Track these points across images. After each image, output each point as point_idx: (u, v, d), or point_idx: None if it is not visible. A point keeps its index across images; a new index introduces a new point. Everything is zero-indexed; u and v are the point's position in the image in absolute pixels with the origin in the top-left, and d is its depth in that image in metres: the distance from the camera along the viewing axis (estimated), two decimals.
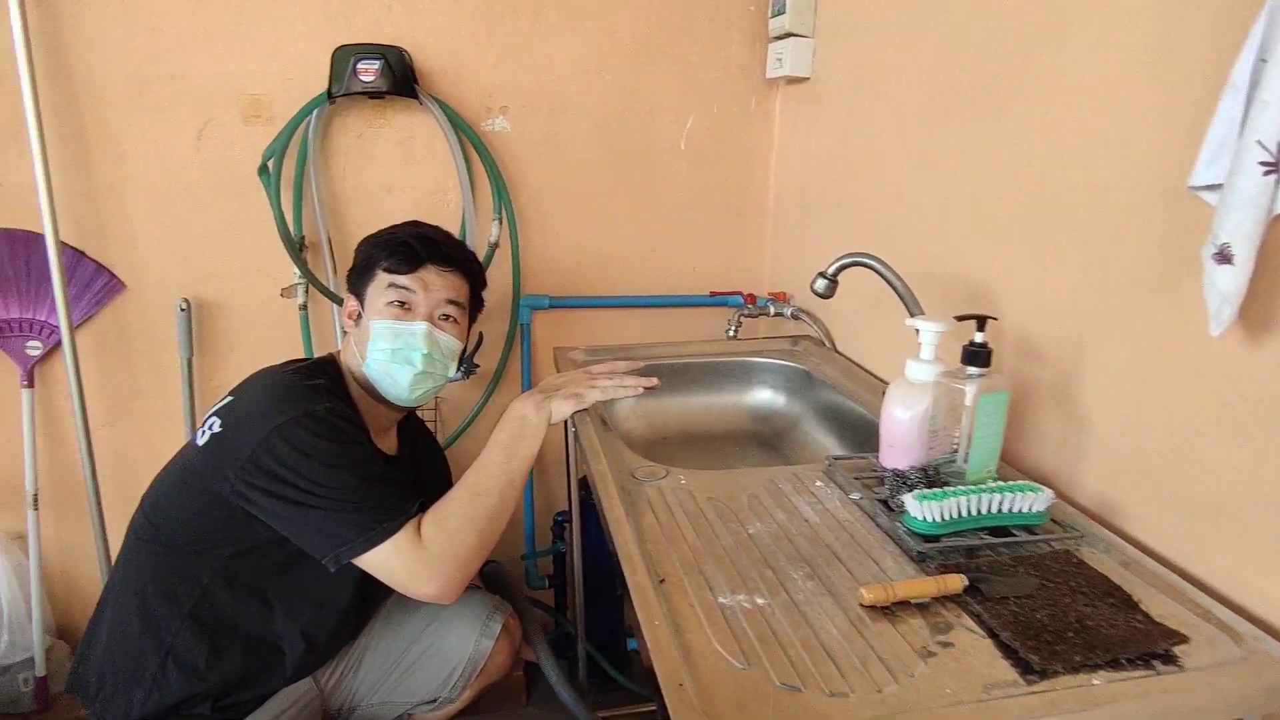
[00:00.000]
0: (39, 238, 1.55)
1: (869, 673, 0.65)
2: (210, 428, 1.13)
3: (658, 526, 0.88)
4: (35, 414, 1.63)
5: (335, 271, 1.65)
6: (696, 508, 0.93)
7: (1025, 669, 0.65)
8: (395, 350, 1.20)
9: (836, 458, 1.03)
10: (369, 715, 1.35)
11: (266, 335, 1.70)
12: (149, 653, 1.13)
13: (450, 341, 1.26)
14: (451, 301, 1.25)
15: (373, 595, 1.27)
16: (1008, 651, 0.68)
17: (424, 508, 1.13)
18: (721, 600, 0.75)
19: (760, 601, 0.75)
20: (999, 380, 0.92)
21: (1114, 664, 0.66)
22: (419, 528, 1.09)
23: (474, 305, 1.32)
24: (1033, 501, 0.85)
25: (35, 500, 1.63)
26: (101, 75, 1.52)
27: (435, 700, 1.36)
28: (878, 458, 1.02)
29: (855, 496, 0.95)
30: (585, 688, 1.87)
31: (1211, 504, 0.79)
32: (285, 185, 1.59)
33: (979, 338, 0.92)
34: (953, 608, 0.74)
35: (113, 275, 1.62)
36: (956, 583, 0.75)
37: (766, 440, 1.46)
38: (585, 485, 1.77)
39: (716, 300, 1.78)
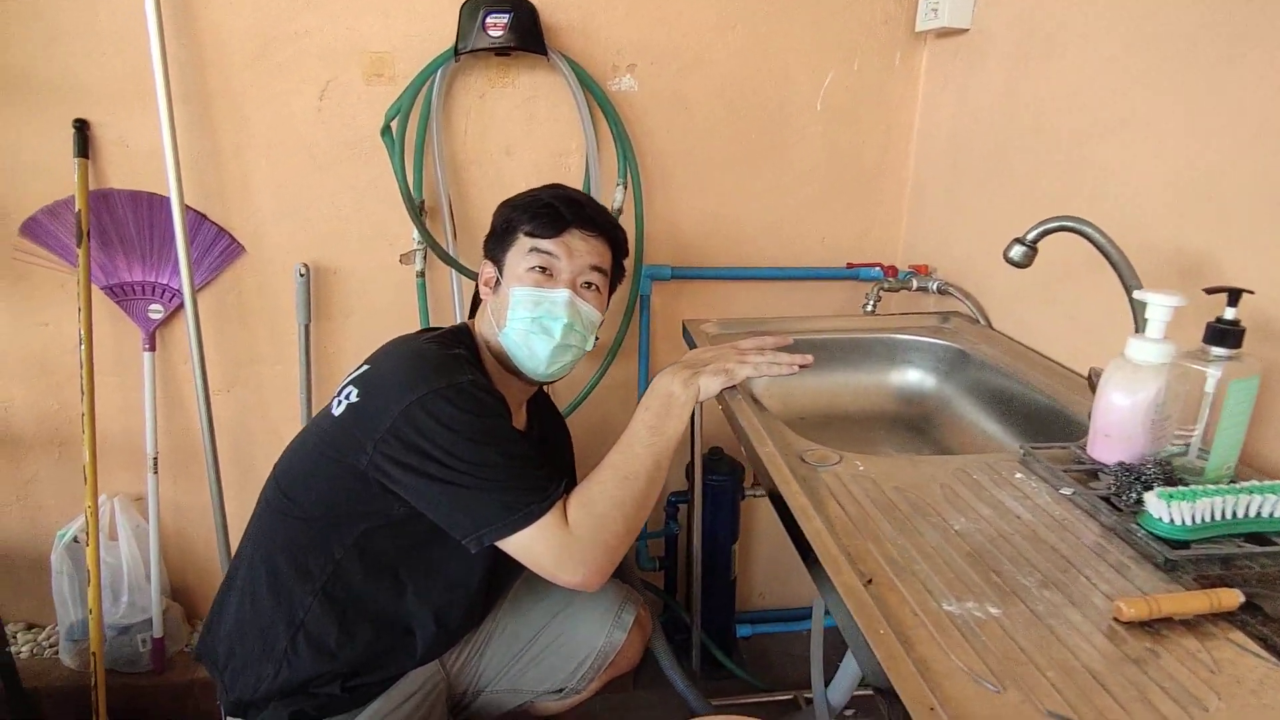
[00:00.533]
0: (163, 200, 1.53)
1: (1154, 705, 0.55)
2: (347, 397, 1.08)
3: (846, 518, 0.79)
4: (156, 377, 1.63)
5: (454, 237, 1.59)
6: (885, 498, 0.83)
7: None
8: (535, 319, 1.13)
9: (1033, 447, 0.92)
10: (493, 701, 1.30)
11: (383, 303, 1.66)
12: (279, 628, 1.10)
13: (591, 312, 1.18)
14: (595, 268, 1.17)
15: (502, 578, 1.22)
16: None
17: (568, 489, 1.06)
18: (947, 608, 0.65)
19: (993, 611, 0.65)
20: (1251, 364, 0.79)
21: None
22: (565, 511, 1.03)
23: (615, 276, 1.24)
24: None
25: (155, 464, 1.63)
26: (227, 33, 1.48)
27: (562, 690, 1.30)
28: (1081, 448, 0.90)
29: (1067, 492, 0.84)
30: (696, 675, 1.80)
31: None
32: (406, 147, 1.54)
33: (1230, 314, 0.80)
34: (1224, 626, 0.63)
35: (233, 239, 1.59)
36: (1233, 599, 0.63)
37: (913, 423, 1.35)
38: (706, 466, 1.69)
39: (852, 273, 1.66)
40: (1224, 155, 0.95)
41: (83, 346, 1.51)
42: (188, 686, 1.67)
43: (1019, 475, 0.88)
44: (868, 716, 1.74)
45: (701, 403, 1.13)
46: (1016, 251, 1.01)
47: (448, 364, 1.06)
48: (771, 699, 1.77)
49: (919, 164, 1.67)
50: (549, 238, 1.14)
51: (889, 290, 1.54)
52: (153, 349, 1.61)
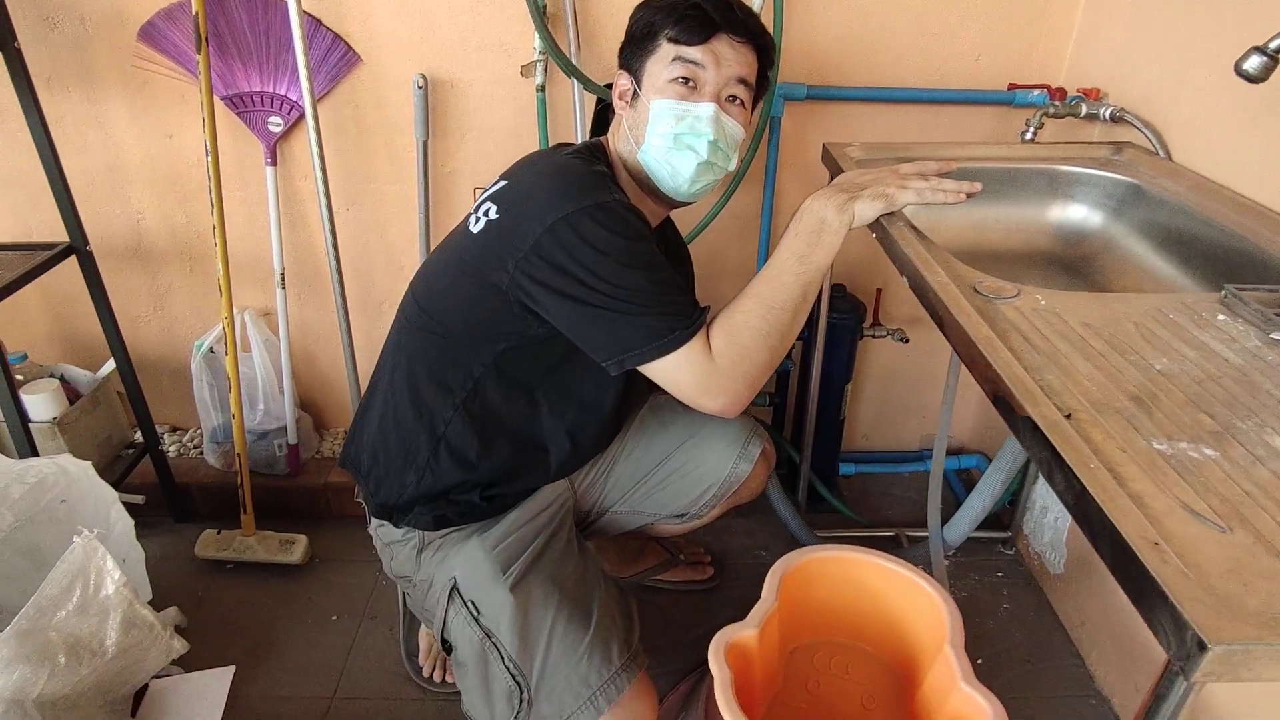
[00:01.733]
0: (278, 2, 1.47)
1: None
2: (486, 214, 1.05)
3: (1034, 352, 0.74)
4: (280, 193, 1.63)
5: (578, 46, 1.49)
6: (1076, 334, 0.77)
7: None
8: (678, 135, 1.06)
9: (1238, 288, 0.83)
10: (616, 520, 1.35)
11: (501, 120, 1.59)
12: (422, 439, 1.14)
13: (736, 128, 1.10)
14: (742, 80, 1.08)
15: (633, 401, 1.22)
16: None
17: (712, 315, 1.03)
18: (1158, 447, 0.61)
19: (1209, 453, 0.60)
20: None
21: None
22: (708, 337, 1.00)
23: (760, 87, 1.14)
24: None
25: (282, 279, 1.67)
26: None
27: (684, 515, 1.33)
28: None
29: (1278, 336, 0.76)
30: (802, 509, 1.83)
31: None
32: None
33: None
34: None
35: (349, 47, 1.53)
36: None
37: (1071, 264, 1.26)
38: (834, 304, 1.63)
39: (1010, 96, 1.50)
40: None
41: (209, 159, 1.51)
42: (321, 489, 1.79)
43: (1222, 317, 0.81)
44: (971, 557, 1.75)
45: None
46: (1254, 62, 0.87)
47: (594, 181, 1.02)
48: (873, 534, 1.79)
49: None
50: (695, 44, 1.04)
51: (1053, 116, 1.39)
52: (274, 163, 1.61)
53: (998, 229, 1.30)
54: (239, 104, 1.57)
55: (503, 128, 1.60)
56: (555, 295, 0.99)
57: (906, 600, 1.22)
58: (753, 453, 1.29)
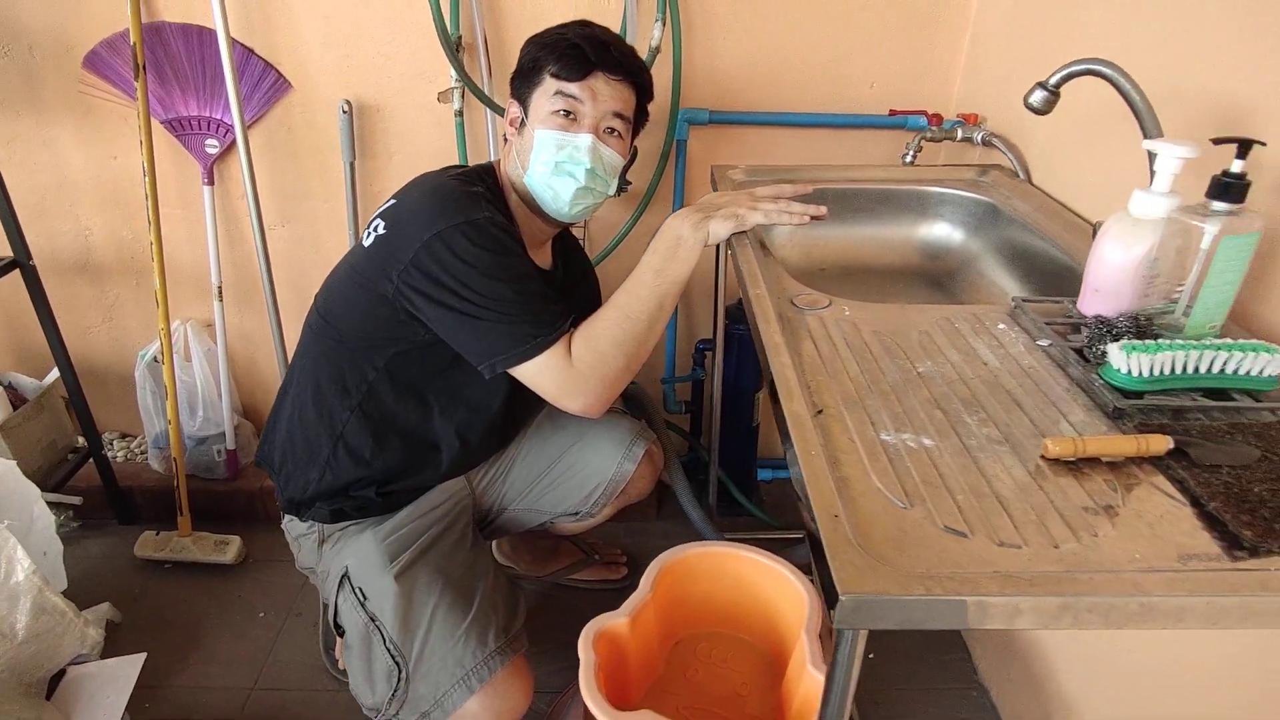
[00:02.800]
0: (212, 33, 1.57)
1: (1046, 527, 0.59)
2: (375, 229, 1.14)
3: (817, 357, 0.83)
4: (216, 210, 1.73)
5: (490, 75, 1.59)
6: (861, 341, 0.86)
7: (1234, 544, 0.57)
8: (559, 163, 1.16)
9: (1024, 299, 0.92)
10: (514, 519, 1.43)
11: (425, 142, 1.69)
12: (323, 438, 1.23)
13: (613, 157, 1.19)
14: (618, 115, 1.17)
15: (523, 405, 1.31)
16: (1213, 523, 0.59)
17: (575, 324, 1.12)
18: (884, 437, 0.69)
19: (927, 443, 0.69)
20: (1251, 220, 0.77)
21: None
22: (570, 344, 1.09)
23: (639, 119, 1.24)
24: (1265, 365, 0.73)
25: (220, 291, 1.76)
26: None
27: (577, 513, 1.41)
28: (1074, 303, 0.90)
29: (1044, 343, 0.85)
30: (714, 511, 1.91)
31: None
32: None
33: (1237, 166, 0.76)
34: (1150, 470, 0.66)
35: (280, 75, 1.63)
36: (1161, 444, 0.65)
37: (936, 279, 1.35)
38: (731, 314, 1.72)
39: (896, 121, 1.60)
40: None
41: (147, 179, 1.60)
42: (258, 492, 1.87)
43: (1001, 326, 0.89)
44: None
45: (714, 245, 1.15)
46: (1037, 97, 0.97)
47: (466, 200, 1.11)
48: (784, 536, 1.87)
49: (982, 4, 1.56)
50: (573, 81, 1.14)
51: (931, 140, 1.48)
52: (212, 183, 1.70)
53: (873, 246, 1.40)
54: (178, 127, 1.67)
55: (426, 150, 1.69)
56: (432, 303, 1.08)
57: (778, 592, 1.30)
58: (637, 453, 1.38)
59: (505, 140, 1.26)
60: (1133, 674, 1.09)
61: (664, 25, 1.53)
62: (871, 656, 1.57)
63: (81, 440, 1.83)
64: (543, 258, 1.31)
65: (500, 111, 1.57)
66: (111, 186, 1.74)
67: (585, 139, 1.15)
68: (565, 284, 1.35)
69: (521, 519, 1.43)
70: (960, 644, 1.61)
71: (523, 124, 1.21)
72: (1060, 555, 0.56)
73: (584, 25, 1.18)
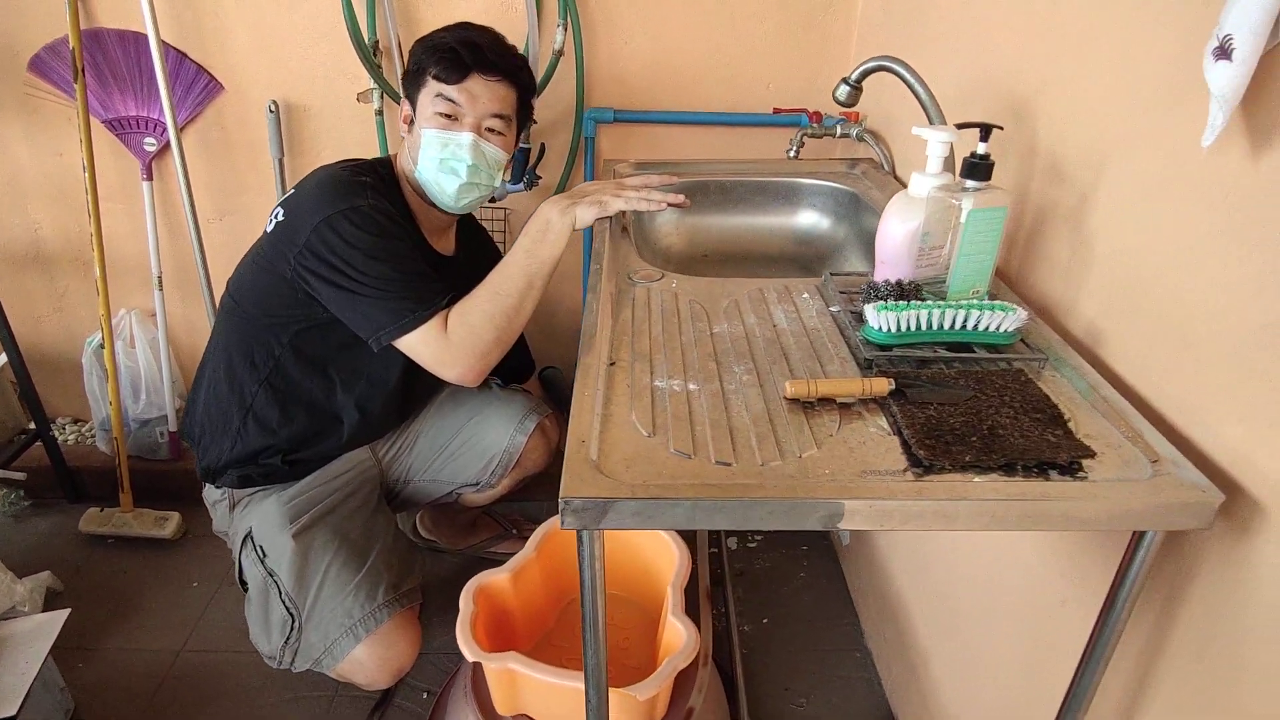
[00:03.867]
0: (146, 38, 1.67)
1: (759, 450, 0.69)
2: (276, 216, 1.25)
3: (630, 321, 0.93)
4: (155, 205, 1.83)
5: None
6: (675, 307, 0.96)
7: (914, 463, 0.68)
8: (443, 160, 1.25)
9: (834, 273, 1.03)
10: (420, 489, 1.54)
11: (349, 138, 1.80)
12: (234, 410, 1.33)
13: (496, 153, 1.28)
14: (497, 115, 1.26)
15: (420, 382, 1.41)
16: (905, 448, 0.70)
17: (454, 301, 1.23)
18: (657, 384, 0.80)
19: (692, 387, 0.79)
20: (998, 196, 0.88)
21: (1007, 468, 0.67)
22: (446, 319, 1.19)
23: (523, 114, 1.34)
24: (1003, 321, 0.83)
25: (160, 281, 1.86)
26: None
27: (478, 484, 1.52)
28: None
29: (834, 309, 0.96)
30: None
31: (1184, 331, 0.74)
32: None
33: (981, 149, 0.87)
34: (874, 409, 0.76)
35: (212, 77, 1.74)
36: (883, 385, 0.76)
37: (807, 264, 1.45)
38: None
39: (782, 119, 1.71)
40: None
41: (86, 174, 1.71)
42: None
43: (805, 295, 1.00)
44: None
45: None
46: (841, 91, 1.08)
47: (353, 189, 1.22)
48: None
49: (866, 7, 1.67)
50: (453, 83, 1.23)
51: (813, 136, 1.58)
52: (150, 179, 1.81)
53: (751, 235, 1.50)
54: (118, 126, 1.78)
55: (351, 145, 1.80)
56: (323, 282, 1.19)
57: (656, 553, 1.41)
58: (528, 427, 1.48)
59: (401, 137, 1.36)
60: (967, 612, 1.20)
61: (565, 29, 1.64)
62: (766, 621, 1.67)
63: (31, 424, 1.93)
64: (445, 244, 1.42)
65: None
66: (57, 182, 1.85)
67: (466, 137, 1.25)
68: (468, 268, 1.45)
69: (427, 490, 1.54)
70: (851, 611, 1.71)
71: (413, 122, 1.31)
72: (762, 470, 0.67)
73: (464, 28, 1.28)
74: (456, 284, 1.29)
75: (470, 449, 1.49)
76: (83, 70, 1.67)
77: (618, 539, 1.44)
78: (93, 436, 2.09)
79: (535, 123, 1.69)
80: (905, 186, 1.39)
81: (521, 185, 1.70)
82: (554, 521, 1.40)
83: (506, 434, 1.48)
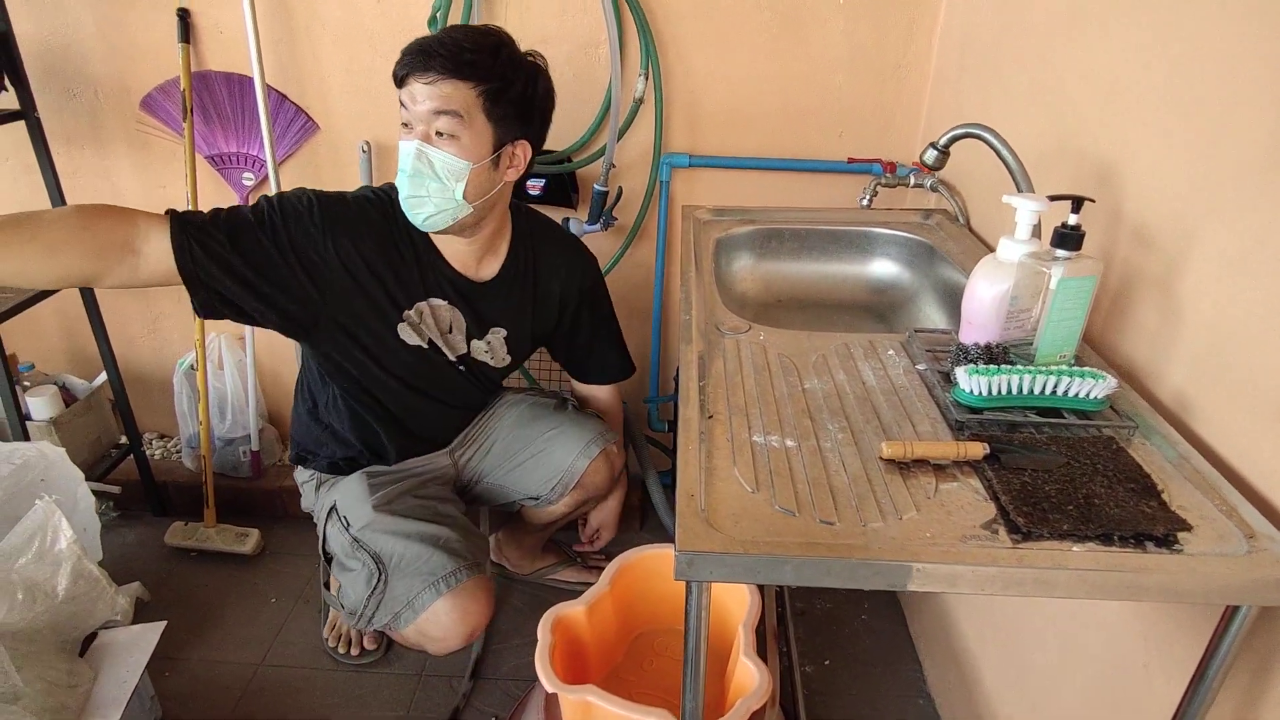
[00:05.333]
0: (251, 81, 1.78)
1: (861, 510, 0.73)
2: None
3: (723, 373, 0.97)
4: None
5: None
6: (765, 361, 1.00)
7: (1012, 529, 0.70)
8: (399, 172, 1.20)
9: (919, 330, 1.06)
10: (488, 490, 1.61)
11: None
12: (309, 414, 1.49)
13: (446, 159, 1.17)
14: (441, 112, 1.15)
15: (472, 392, 1.54)
16: (1002, 514, 0.72)
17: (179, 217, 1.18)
18: (755, 439, 0.84)
19: (790, 444, 0.83)
20: (1087, 265, 0.90)
21: (1104, 538, 0.69)
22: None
23: (500, 110, 1.19)
24: (1093, 388, 0.86)
25: None
26: None
27: (538, 498, 1.57)
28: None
29: (921, 367, 0.99)
30: None
31: (1276, 403, 0.76)
32: None
33: (1072, 220, 0.90)
34: (968, 472, 0.79)
35: (309, 117, 1.84)
36: (978, 449, 0.79)
37: (880, 313, 1.48)
38: None
39: (856, 167, 1.74)
40: (1131, 55, 1.00)
41: (190, 207, 1.81)
42: (277, 491, 2.06)
43: (890, 352, 1.03)
44: None
45: None
46: (929, 155, 1.11)
47: (362, 189, 1.36)
48: None
49: (940, 62, 1.70)
50: (400, 90, 1.18)
51: (886, 185, 1.62)
52: None
53: (826, 283, 1.53)
54: (218, 162, 1.88)
55: None
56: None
57: (726, 591, 1.43)
58: (593, 451, 1.53)
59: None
60: (1039, 668, 1.20)
61: (646, 79, 1.70)
62: (828, 662, 1.69)
63: (124, 438, 2.03)
64: (478, 269, 1.38)
65: None
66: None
67: (410, 145, 1.17)
68: (500, 297, 1.41)
69: (494, 493, 1.61)
70: (913, 656, 1.71)
71: None
72: (865, 531, 0.70)
73: (424, 38, 1.19)
74: (478, 307, 1.36)
75: (538, 464, 1.55)
76: (191, 109, 1.77)
77: None
78: (178, 452, 2.19)
79: (614, 166, 1.75)
80: (981, 240, 1.44)
81: (599, 226, 1.76)
82: (628, 555, 1.43)
83: (571, 455, 1.53)
